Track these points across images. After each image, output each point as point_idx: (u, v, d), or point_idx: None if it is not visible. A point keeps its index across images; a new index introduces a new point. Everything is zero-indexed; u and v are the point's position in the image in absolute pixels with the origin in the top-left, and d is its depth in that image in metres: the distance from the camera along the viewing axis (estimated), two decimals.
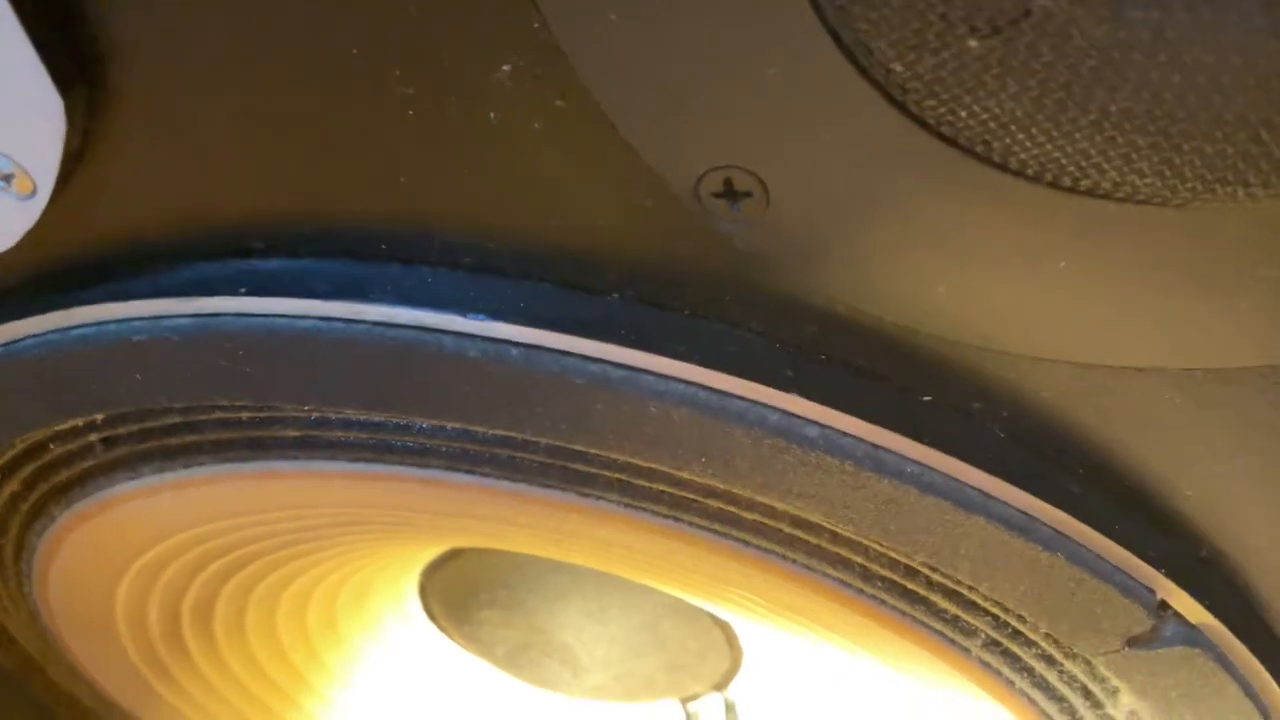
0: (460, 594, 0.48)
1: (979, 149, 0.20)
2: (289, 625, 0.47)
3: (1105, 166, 0.19)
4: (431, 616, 0.50)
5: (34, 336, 0.29)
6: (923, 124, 0.20)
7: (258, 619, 0.45)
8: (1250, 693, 0.30)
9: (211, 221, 0.27)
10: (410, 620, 0.50)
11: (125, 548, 0.39)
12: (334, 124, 0.24)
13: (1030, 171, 0.20)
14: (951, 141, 0.20)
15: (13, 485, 0.36)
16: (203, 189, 0.26)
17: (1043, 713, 0.33)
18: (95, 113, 0.25)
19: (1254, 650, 0.29)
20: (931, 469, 0.26)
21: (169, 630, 0.44)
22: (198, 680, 0.47)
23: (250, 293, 0.26)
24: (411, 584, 0.48)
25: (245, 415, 0.31)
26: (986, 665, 0.32)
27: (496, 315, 0.25)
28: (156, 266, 0.27)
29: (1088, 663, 0.31)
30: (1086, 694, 0.32)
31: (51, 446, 0.34)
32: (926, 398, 0.26)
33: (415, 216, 0.25)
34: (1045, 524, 0.26)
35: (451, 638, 0.50)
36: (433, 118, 0.23)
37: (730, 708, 0.49)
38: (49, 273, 0.28)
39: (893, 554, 0.29)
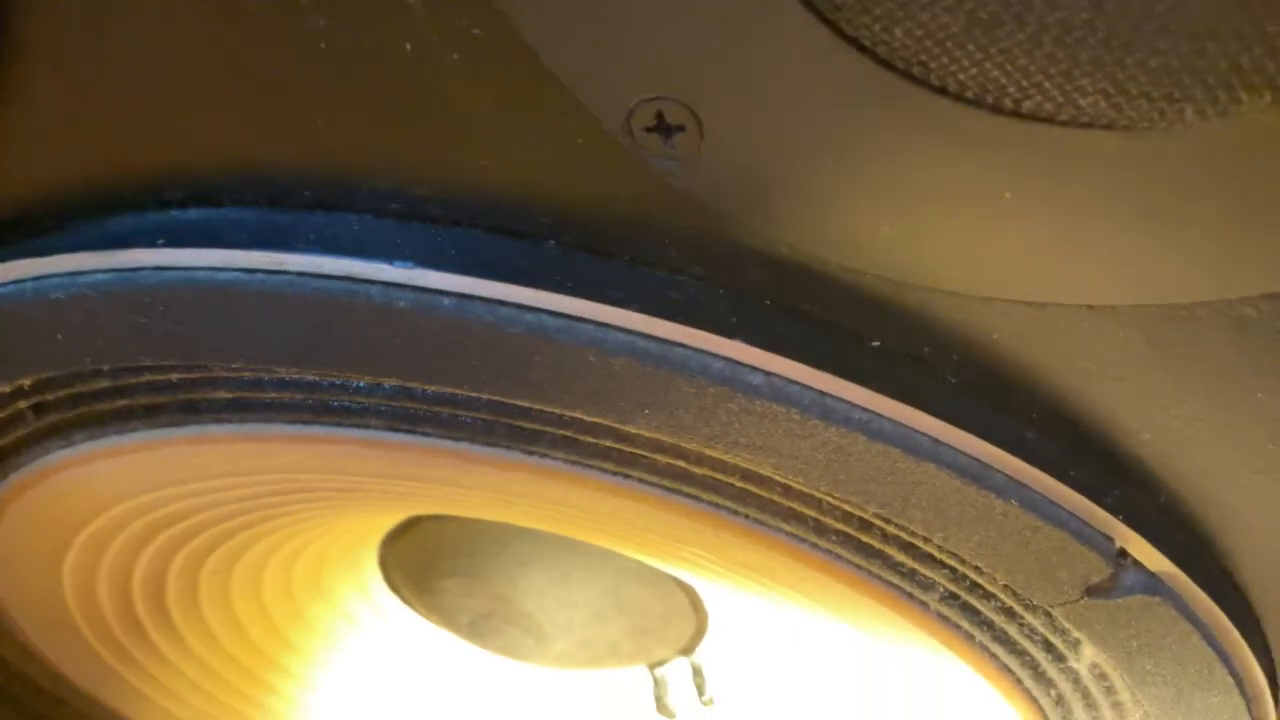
0: (421, 564, 0.47)
1: (916, 71, 0.19)
2: (244, 599, 0.46)
3: (1047, 85, 0.18)
4: (393, 588, 0.49)
5: None
6: (858, 45, 0.19)
7: (211, 594, 0.45)
8: (1212, 641, 0.29)
9: (127, 172, 0.25)
10: (370, 592, 0.49)
11: (67, 520, 0.38)
12: (246, 62, 0.22)
13: (970, 94, 0.19)
14: (888, 64, 0.19)
15: None
16: (116, 138, 0.25)
17: (1004, 667, 0.32)
18: None
19: (1215, 598, 0.28)
20: (880, 416, 0.25)
21: (121, 607, 0.43)
22: (154, 657, 0.46)
23: (169, 244, 0.25)
24: (371, 555, 0.48)
25: (175, 377, 0.30)
26: (945, 619, 0.31)
27: (426, 263, 0.24)
28: (72, 220, 0.26)
29: (1048, 615, 0.30)
30: (1048, 647, 0.31)
31: None
32: (874, 343, 0.25)
33: (337, 161, 0.24)
34: (998, 470, 0.25)
35: (414, 608, 0.49)
36: (347, 51, 0.21)
37: (697, 671, 0.48)
38: None
39: (846, 507, 0.28)
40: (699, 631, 0.48)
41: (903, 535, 0.29)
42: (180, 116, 0.24)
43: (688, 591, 0.46)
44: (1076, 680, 0.32)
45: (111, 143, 0.25)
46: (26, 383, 0.31)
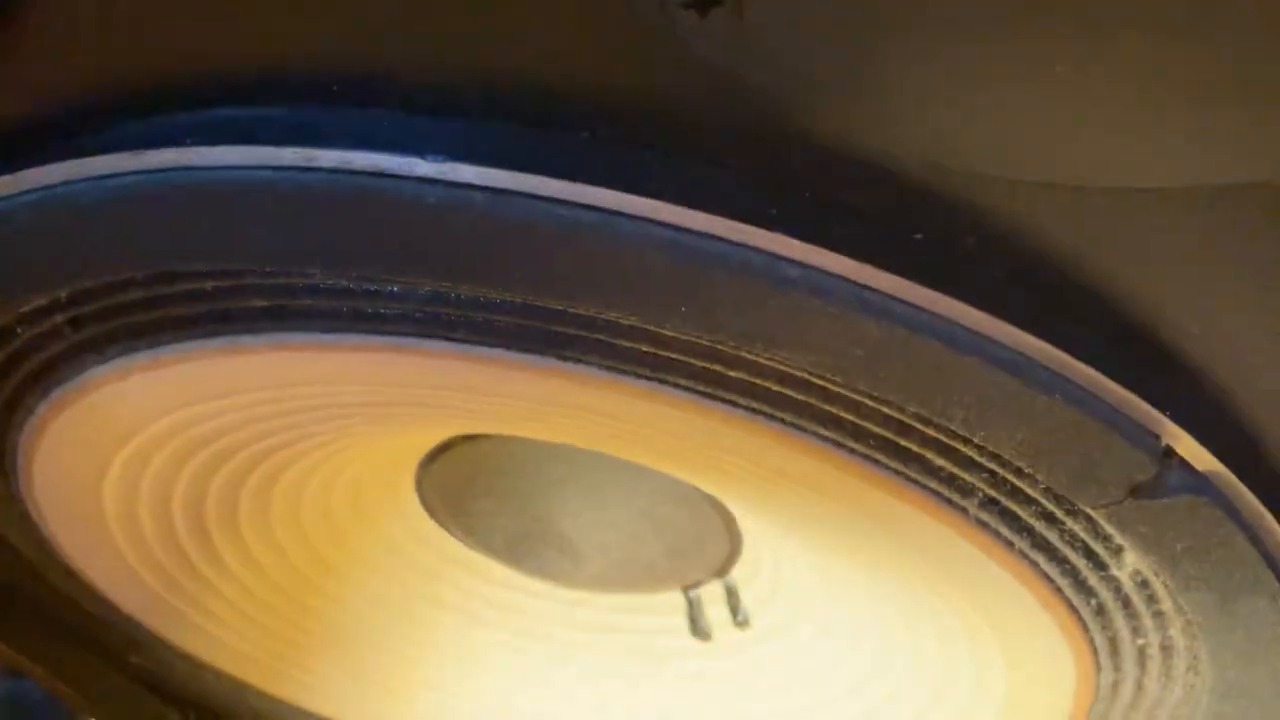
0: (456, 486, 0.48)
1: None
2: (283, 522, 0.46)
3: None
4: (430, 510, 0.50)
5: None
6: None
7: (251, 516, 0.45)
8: (1259, 543, 0.29)
9: (154, 71, 0.25)
10: (407, 514, 0.49)
11: (106, 439, 0.38)
12: None
13: None
14: None
15: None
16: (144, 35, 0.25)
17: (1044, 575, 0.32)
18: None
19: (1263, 499, 0.28)
20: (922, 309, 0.24)
21: (162, 530, 0.44)
22: (195, 580, 0.47)
23: (198, 143, 0.25)
24: (407, 478, 0.48)
25: (210, 285, 0.30)
26: (985, 526, 0.31)
27: (457, 157, 0.24)
28: (102, 122, 0.26)
29: (1090, 520, 0.30)
30: (1089, 554, 0.31)
31: (19, 331, 0.33)
32: (917, 235, 0.24)
33: (366, 53, 0.24)
34: (1042, 365, 0.25)
35: (450, 531, 0.50)
36: None
37: (732, 592, 0.48)
38: None
39: (884, 409, 0.28)
40: (733, 552, 0.48)
41: (942, 438, 0.29)
42: (207, 10, 0.24)
43: (721, 512, 0.46)
44: (1118, 589, 0.32)
45: (140, 41, 0.25)
46: (63, 295, 0.31)
